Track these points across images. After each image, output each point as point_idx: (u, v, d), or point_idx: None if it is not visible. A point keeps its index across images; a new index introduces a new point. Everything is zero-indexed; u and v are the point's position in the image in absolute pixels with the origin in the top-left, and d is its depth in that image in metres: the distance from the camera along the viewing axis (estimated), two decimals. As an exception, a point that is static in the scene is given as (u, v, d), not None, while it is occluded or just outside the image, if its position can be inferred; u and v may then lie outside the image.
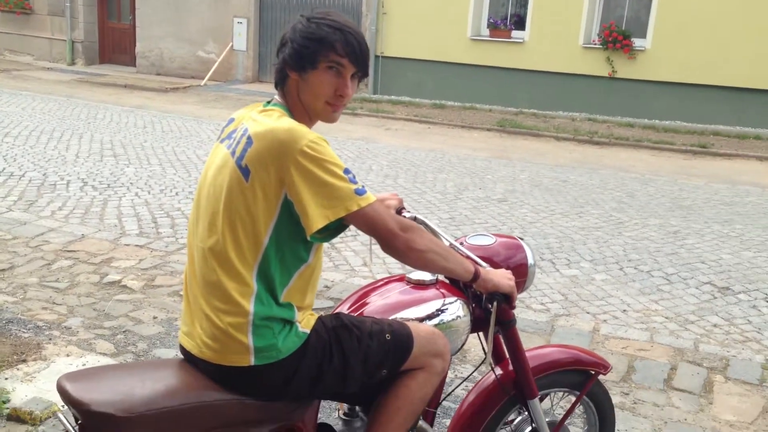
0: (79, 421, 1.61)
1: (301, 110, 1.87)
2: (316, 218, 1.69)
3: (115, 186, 6.82)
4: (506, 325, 2.15)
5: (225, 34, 16.03)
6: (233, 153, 1.78)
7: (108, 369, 1.85)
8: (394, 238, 1.77)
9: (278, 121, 1.77)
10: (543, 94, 12.88)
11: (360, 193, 1.73)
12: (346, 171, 1.74)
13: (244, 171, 1.73)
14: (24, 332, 3.74)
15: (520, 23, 13.33)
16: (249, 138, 1.75)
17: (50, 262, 4.78)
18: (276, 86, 1.91)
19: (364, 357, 1.87)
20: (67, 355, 3.52)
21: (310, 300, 1.90)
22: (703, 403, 3.54)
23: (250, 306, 1.73)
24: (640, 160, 9.73)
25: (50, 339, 3.69)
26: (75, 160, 7.75)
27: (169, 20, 16.50)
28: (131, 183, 6.96)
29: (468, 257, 2.03)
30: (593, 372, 2.41)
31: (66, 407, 1.67)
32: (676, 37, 11.65)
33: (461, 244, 2.23)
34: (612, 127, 11.71)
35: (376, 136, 10.70)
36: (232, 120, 1.95)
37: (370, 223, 1.75)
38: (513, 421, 2.38)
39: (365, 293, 2.16)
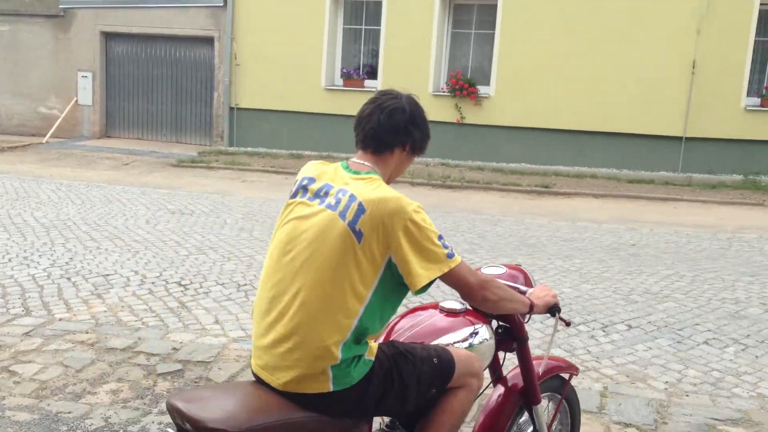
0: None
1: (388, 179, 2.23)
2: (421, 278, 2.01)
3: (-61, 255, 6.27)
4: (522, 341, 2.51)
5: (69, 88, 15.38)
6: (343, 216, 2.03)
7: (208, 389, 2.22)
8: (473, 293, 2.13)
9: (386, 191, 2.07)
10: (397, 142, 13.22)
11: (450, 257, 2.06)
12: (440, 237, 2.07)
13: (358, 234, 2.01)
14: None
15: (372, 73, 13.72)
16: (360, 204, 2.02)
17: None
18: (368, 149, 2.18)
19: (418, 379, 2.16)
20: None
21: None
22: (547, 435, 3.67)
23: (338, 353, 2.02)
24: (490, 202, 10.18)
25: None
26: None
27: (7, 74, 15.62)
28: (-41, 250, 6.42)
29: (517, 290, 2.40)
30: (568, 375, 2.79)
31: (174, 424, 1.95)
32: (517, 85, 12.41)
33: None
34: (464, 170, 12.21)
35: (232, 188, 10.54)
36: (312, 180, 2.17)
37: (455, 281, 2.10)
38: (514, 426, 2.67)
39: (404, 320, 2.44)
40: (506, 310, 2.28)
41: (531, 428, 2.67)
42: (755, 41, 11.60)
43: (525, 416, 2.68)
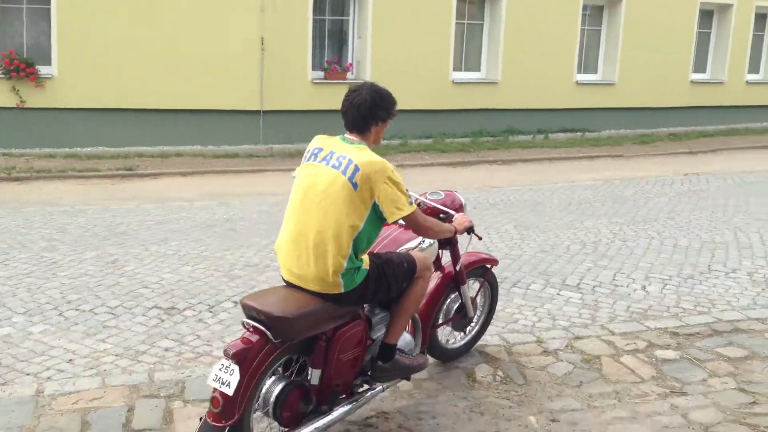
0: (255, 323, 2.89)
1: (371, 144, 3.19)
2: (393, 216, 3.05)
3: None
4: (452, 244, 3.73)
5: None
6: (344, 173, 3.01)
7: (266, 293, 3.19)
8: (420, 230, 3.27)
9: (372, 156, 3.06)
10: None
11: (411, 204, 3.10)
12: (407, 190, 3.12)
13: (354, 185, 2.99)
14: None
15: None
16: (356, 165, 3.00)
17: None
18: (354, 131, 3.16)
19: (396, 278, 3.25)
20: None
21: None
22: (166, 437, 3.34)
23: (344, 263, 3.02)
24: (67, 192, 9.17)
25: None
26: None
27: None
28: None
29: (446, 215, 3.70)
30: (489, 266, 4.17)
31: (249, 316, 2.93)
32: (85, 64, 11.33)
33: (425, 196, 3.80)
34: (31, 159, 10.80)
35: None
36: (320, 149, 3.16)
37: (411, 220, 3.15)
38: (447, 302, 3.97)
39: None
40: (440, 237, 3.49)
41: (459, 302, 3.98)
42: (314, 19, 12.47)
43: (456, 294, 3.97)
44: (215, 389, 2.82)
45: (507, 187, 9.98)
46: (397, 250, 3.44)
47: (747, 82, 17.53)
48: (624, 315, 5.02)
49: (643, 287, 5.61)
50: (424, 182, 10.21)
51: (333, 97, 12.84)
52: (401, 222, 3.26)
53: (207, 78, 11.72)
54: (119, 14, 11.30)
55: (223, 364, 2.83)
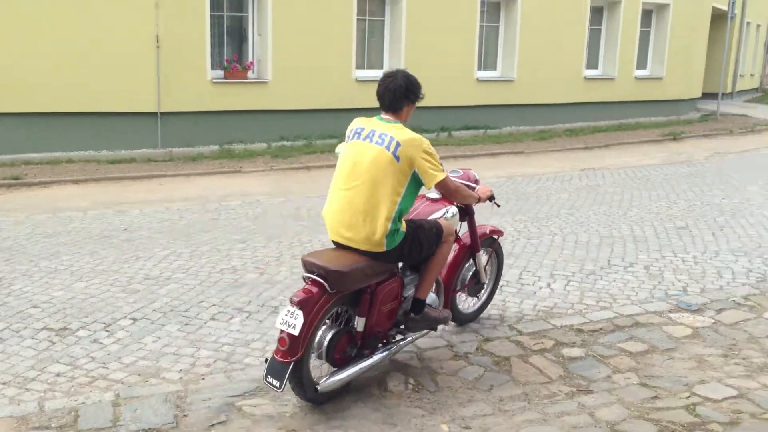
0: (314, 276, 3.53)
1: (404, 122, 3.85)
2: (430, 182, 3.71)
3: None
4: (470, 215, 4.47)
5: None
6: (388, 148, 3.65)
7: (320, 252, 3.78)
8: (451, 194, 3.96)
9: (410, 133, 3.72)
10: None
11: (443, 171, 3.76)
12: (440, 159, 3.80)
13: (397, 158, 3.64)
14: None
15: None
16: (397, 142, 3.65)
17: None
18: (389, 111, 3.83)
19: (427, 240, 3.92)
20: None
21: None
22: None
23: (389, 224, 3.66)
24: (-54, 204, 8.51)
25: None
26: None
27: None
28: None
29: (470, 187, 4.28)
30: (497, 237, 4.84)
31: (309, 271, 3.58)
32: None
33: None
34: None
35: None
36: (362, 128, 3.82)
37: (443, 185, 3.80)
38: (463, 270, 4.63)
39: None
40: (466, 202, 4.16)
41: (474, 269, 4.69)
42: (211, 16, 12.09)
43: (471, 262, 4.68)
44: (282, 331, 3.46)
45: (413, 186, 9.99)
46: (428, 219, 4.17)
47: (636, 78, 18.33)
48: (531, 314, 5.08)
49: (548, 285, 5.71)
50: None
51: (235, 98, 12.67)
52: (430, 196, 4.32)
53: (99, 78, 11.14)
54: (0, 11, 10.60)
55: (288, 310, 3.48)
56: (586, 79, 17.28)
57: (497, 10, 15.95)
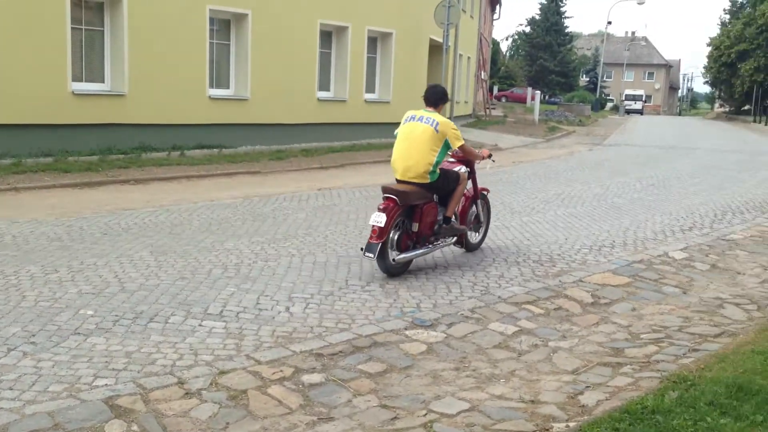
0: (390, 194, 6.38)
1: (440, 112, 6.85)
2: (455, 144, 6.68)
3: None
4: (473, 172, 7.39)
5: None
6: (431, 124, 6.52)
7: (392, 184, 6.66)
8: (468, 154, 7.08)
9: (444, 118, 6.68)
10: None
11: (463, 139, 6.84)
12: (462, 134, 6.94)
13: (437, 130, 6.52)
14: None
15: None
16: (437, 123, 6.54)
17: None
18: (432, 106, 6.82)
19: (451, 179, 6.85)
20: None
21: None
22: None
23: (432, 167, 6.54)
24: None
25: None
26: None
27: None
28: None
29: (475, 152, 7.32)
30: (486, 193, 7.81)
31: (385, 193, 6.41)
32: None
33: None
34: None
35: None
36: (413, 116, 6.71)
37: (464, 148, 6.87)
38: (470, 213, 7.51)
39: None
40: (476, 159, 7.24)
41: (475, 213, 7.49)
42: None
43: (473, 209, 7.49)
44: (374, 225, 6.15)
45: (142, 208, 9.29)
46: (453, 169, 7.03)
47: (365, 101, 19.14)
48: (270, 341, 4.83)
49: (287, 308, 5.51)
50: (45, 207, 9.02)
51: None
52: (451, 160, 7.08)
53: None
54: None
55: (376, 213, 6.20)
56: (320, 100, 17.64)
57: (227, 27, 15.65)
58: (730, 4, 63.30)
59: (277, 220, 8.84)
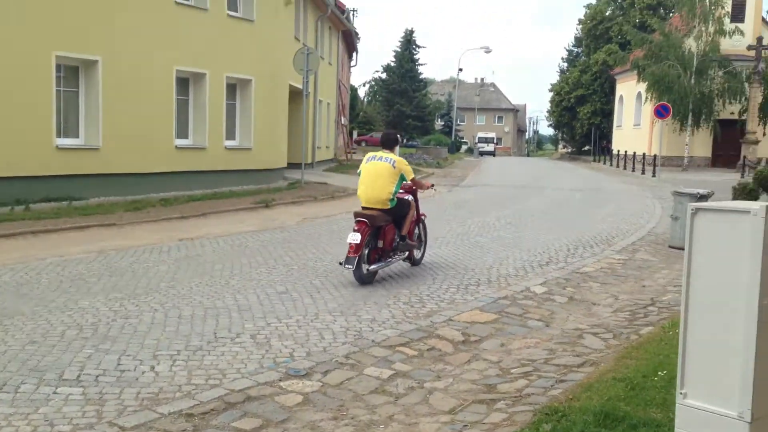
0: (362, 218, 8.32)
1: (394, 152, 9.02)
2: (410, 176, 8.70)
3: None
4: (416, 200, 9.27)
5: None
6: (390, 162, 8.51)
7: (361, 210, 8.65)
8: (417, 183, 9.18)
9: (399, 157, 8.78)
10: None
11: (415, 173, 9.51)
12: (414, 169, 11.27)
13: (394, 166, 8.52)
14: None
15: None
16: (393, 161, 8.54)
17: None
18: (388, 148, 8.84)
19: (405, 206, 8.81)
20: None
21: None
22: None
23: (391, 195, 8.51)
24: None
25: None
26: None
27: None
28: None
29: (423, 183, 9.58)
30: (424, 217, 9.66)
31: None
32: None
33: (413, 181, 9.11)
34: None
35: None
36: (374, 156, 8.68)
37: (414, 180, 8.97)
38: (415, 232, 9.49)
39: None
40: (423, 189, 9.46)
41: (417, 232, 9.44)
42: None
43: (417, 229, 9.48)
44: (351, 243, 7.87)
45: (-18, 268, 8.51)
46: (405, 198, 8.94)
47: (226, 148, 18.82)
48: (134, 404, 4.52)
49: (152, 367, 5.19)
50: None
51: None
52: (402, 192, 8.83)
53: None
54: None
55: (352, 233, 7.91)
56: (178, 148, 17.15)
57: (75, 75, 14.95)
58: (567, 53, 68.40)
59: (137, 274, 8.39)
